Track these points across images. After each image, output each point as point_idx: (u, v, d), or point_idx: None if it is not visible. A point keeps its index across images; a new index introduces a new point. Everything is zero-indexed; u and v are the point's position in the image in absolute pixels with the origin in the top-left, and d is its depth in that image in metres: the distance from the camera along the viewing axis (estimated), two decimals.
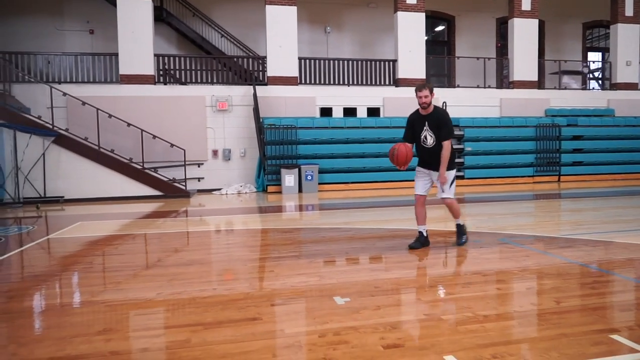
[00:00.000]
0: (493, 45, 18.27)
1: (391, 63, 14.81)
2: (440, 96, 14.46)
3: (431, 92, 4.60)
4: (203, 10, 15.46)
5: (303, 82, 14.16)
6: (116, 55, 12.61)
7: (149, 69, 12.80)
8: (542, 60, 17.17)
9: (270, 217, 8.62)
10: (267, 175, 12.50)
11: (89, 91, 12.38)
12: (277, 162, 12.46)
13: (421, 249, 4.81)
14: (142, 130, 11.50)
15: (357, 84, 14.62)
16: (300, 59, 14.01)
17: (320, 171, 12.48)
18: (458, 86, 16.13)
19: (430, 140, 4.65)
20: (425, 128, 4.65)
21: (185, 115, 12.85)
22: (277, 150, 12.57)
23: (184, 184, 11.74)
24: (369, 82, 14.73)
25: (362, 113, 14.53)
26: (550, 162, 14.53)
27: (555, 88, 16.41)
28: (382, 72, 14.83)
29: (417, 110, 4.78)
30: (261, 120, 12.75)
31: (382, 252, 4.82)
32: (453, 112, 14.27)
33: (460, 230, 4.98)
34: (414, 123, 4.76)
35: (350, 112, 14.48)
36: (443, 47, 18.73)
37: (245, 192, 12.66)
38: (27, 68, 12.49)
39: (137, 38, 12.62)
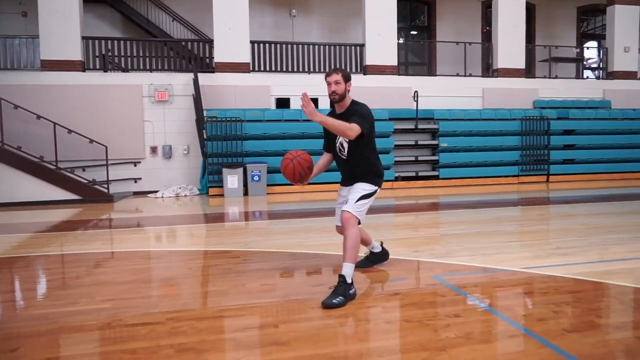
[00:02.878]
0: (478, 32, 16.55)
1: (358, 48, 13.15)
2: (413, 85, 12.83)
3: (346, 79, 3.31)
4: None
5: (256, 69, 12.52)
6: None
7: (76, 54, 11.18)
8: (531, 46, 15.47)
9: (195, 230, 6.97)
10: (209, 175, 10.90)
11: (6, 79, 10.79)
12: (220, 161, 10.85)
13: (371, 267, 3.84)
14: (54, 124, 9.88)
15: (320, 72, 12.97)
16: (253, 43, 12.36)
17: (270, 171, 10.85)
18: (435, 75, 14.45)
19: (346, 147, 3.33)
20: None
21: (118, 106, 11.24)
22: (220, 147, 10.95)
23: (105, 186, 10.12)
24: None
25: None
26: (537, 160, 12.86)
27: (545, 77, 14.71)
28: (349, 58, 13.18)
29: (332, 110, 3.51)
30: (204, 112, 11.13)
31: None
32: (428, 103, 12.68)
33: (344, 285, 3.05)
34: None
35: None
36: (423, 33, 17.05)
37: (185, 195, 11.06)
38: None
39: (61, 18, 11.00)
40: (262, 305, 3.13)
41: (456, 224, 6.56)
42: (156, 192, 11.27)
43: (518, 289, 3.40)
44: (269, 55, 12.63)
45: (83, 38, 11.35)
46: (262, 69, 12.58)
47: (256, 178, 10.65)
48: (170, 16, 13.97)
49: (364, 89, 12.49)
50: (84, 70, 11.35)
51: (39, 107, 10.31)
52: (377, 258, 3.89)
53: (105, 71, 11.70)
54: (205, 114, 11.05)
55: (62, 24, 11.01)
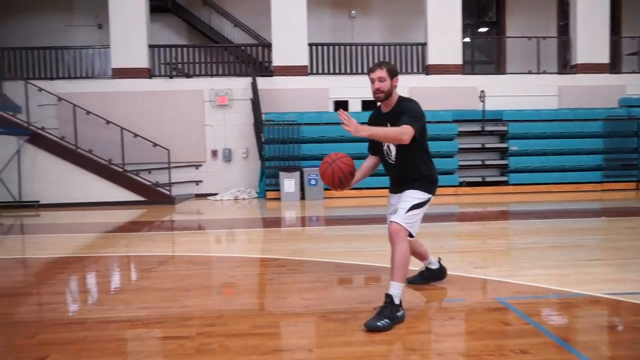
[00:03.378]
0: (552, 26, 15.26)
1: (420, 47, 12.59)
2: (480, 84, 12.04)
3: (392, 74, 2.86)
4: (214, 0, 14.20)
5: (314, 72, 12.37)
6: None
7: (143, 61, 11.68)
8: (617, 38, 13.99)
9: (248, 234, 6.89)
10: (266, 179, 10.89)
11: (82, 87, 11.52)
12: (277, 164, 10.79)
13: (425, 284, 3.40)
14: (121, 128, 10.34)
15: None
16: (310, 45, 12.23)
17: None
18: (504, 73, 13.47)
19: (394, 151, 2.94)
20: None
21: (181, 111, 11.59)
22: (278, 150, 10.89)
23: (168, 188, 10.41)
24: None
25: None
26: (625, 165, 11.54)
27: (633, 72, 13.22)
28: (410, 58, 12.66)
29: (376, 108, 3.09)
30: (262, 115, 11.15)
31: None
32: (496, 104, 11.83)
33: (390, 306, 2.66)
34: (373, 125, 2.93)
35: (370, 105, 12.46)
36: (491, 30, 16.04)
37: (243, 198, 11.13)
38: (33, 65, 11.88)
39: (130, 29, 11.56)
40: (299, 323, 2.85)
41: (527, 235, 5.90)
42: (216, 194, 11.45)
43: (602, 320, 2.84)
44: (327, 58, 12.44)
45: (150, 46, 11.82)
46: (320, 71, 12.41)
47: (313, 182, 10.47)
48: (231, 22, 14.23)
49: (426, 89, 11.96)
50: (150, 77, 11.82)
51: (108, 112, 10.87)
52: (433, 275, 3.44)
53: (171, 77, 12.12)
54: (263, 118, 11.07)
55: (130, 34, 11.55)
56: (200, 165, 11.86)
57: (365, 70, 12.45)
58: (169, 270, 4.40)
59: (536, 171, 11.39)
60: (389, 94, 2.87)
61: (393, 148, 2.94)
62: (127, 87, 11.50)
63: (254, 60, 12.60)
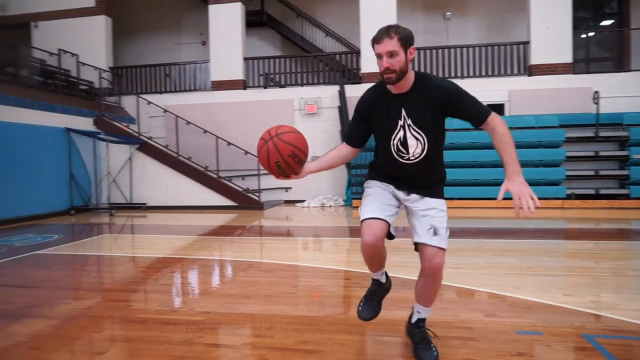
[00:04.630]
0: None
1: (522, 47, 11.57)
2: (594, 84, 10.70)
3: (407, 44, 2.04)
4: (307, 11, 14.54)
5: None
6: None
7: (239, 74, 12.34)
8: None
9: (324, 243, 6.89)
10: (352, 187, 10.78)
11: (185, 99, 12.52)
12: (363, 172, 10.62)
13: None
14: (217, 137, 10.98)
15: (475, 76, 11.80)
16: None
17: None
18: (627, 70, 11.80)
19: (414, 147, 2.16)
20: (401, 123, 2.15)
21: (272, 120, 11.90)
22: (365, 158, 10.72)
23: (257, 194, 10.81)
24: (490, 73, 11.76)
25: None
26: None
27: None
28: (510, 58, 11.70)
29: (379, 86, 2.22)
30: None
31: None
32: (614, 106, 10.46)
33: (424, 333, 2.42)
34: (373, 113, 2.23)
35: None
36: (611, 23, 14.21)
37: (330, 206, 11.14)
38: (146, 80, 13.28)
39: (227, 44, 12.30)
40: (345, 342, 2.67)
41: None
42: (303, 201, 11.62)
43: None
44: (418, 62, 12.01)
45: (245, 59, 12.45)
46: None
47: None
48: (323, 32, 14.45)
49: (528, 92, 10.99)
50: (244, 88, 12.43)
51: (206, 122, 11.65)
52: (379, 299, 2.62)
53: (264, 88, 12.63)
54: None
55: (228, 48, 12.29)
56: None
57: (460, 74, 11.80)
58: (238, 275, 4.48)
59: None
60: (403, 72, 2.06)
61: (416, 143, 2.15)
62: (224, 98, 12.23)
63: (343, 68, 12.62)
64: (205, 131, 11.24)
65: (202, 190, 10.73)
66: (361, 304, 2.58)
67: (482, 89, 11.57)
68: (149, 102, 11.52)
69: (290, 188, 12.15)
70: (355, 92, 11.69)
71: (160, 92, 12.96)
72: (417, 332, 2.42)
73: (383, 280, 2.60)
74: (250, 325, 3.01)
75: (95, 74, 12.32)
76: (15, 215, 8.68)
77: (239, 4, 12.35)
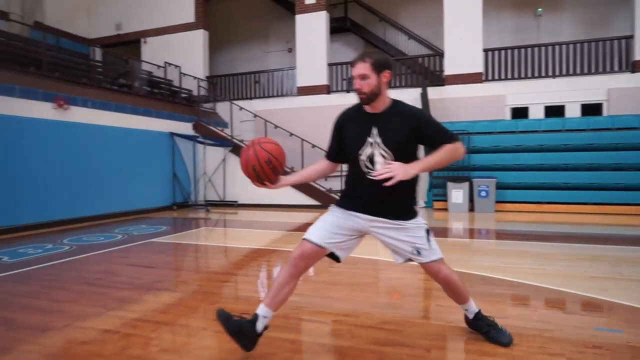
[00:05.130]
0: None
1: (623, 42, 10.78)
2: None
3: (380, 69, 2.26)
4: (389, 15, 14.74)
5: (490, 78, 11.74)
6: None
7: (323, 79, 12.89)
8: None
9: None
10: (433, 189, 10.78)
11: (273, 104, 13.34)
12: (445, 175, 10.60)
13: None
14: (302, 140, 11.59)
15: (568, 75, 11.20)
16: (486, 51, 11.67)
17: (500, 186, 9.98)
18: None
19: (380, 163, 2.29)
20: (371, 141, 2.33)
21: None
22: None
23: (339, 194, 11.22)
24: (586, 71, 11.09)
25: (573, 112, 11.06)
26: None
27: None
28: (610, 55, 10.95)
29: (358, 104, 2.43)
30: None
31: None
32: None
33: (487, 319, 2.60)
34: (347, 128, 2.44)
35: (555, 111, 11.22)
36: None
37: None
38: (237, 87, 14.40)
39: (312, 50, 12.91)
40: (425, 326, 2.92)
41: None
42: None
43: None
44: (504, 63, 11.68)
45: (329, 65, 12.98)
46: (496, 77, 11.72)
47: (483, 194, 9.95)
48: (406, 35, 14.54)
49: (631, 89, 10.26)
50: (328, 93, 12.95)
51: (292, 126, 12.31)
52: (248, 335, 2.39)
53: (347, 92, 13.05)
54: None
55: (313, 55, 12.89)
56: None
57: (552, 72, 11.29)
58: (323, 266, 4.87)
59: None
60: (374, 94, 2.27)
61: (381, 160, 2.28)
62: (309, 103, 12.85)
63: (425, 71, 12.64)
64: (291, 134, 11.91)
65: (289, 190, 11.38)
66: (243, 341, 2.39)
67: (576, 88, 11.00)
68: (241, 108, 12.47)
69: None
70: (439, 94, 11.69)
71: (251, 98, 13.93)
72: (480, 323, 2.61)
73: (259, 326, 2.38)
74: (338, 306, 3.37)
75: (194, 83, 13.58)
76: (129, 209, 9.93)
77: (324, 12, 12.91)
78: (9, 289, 3.98)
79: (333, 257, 2.47)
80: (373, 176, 2.27)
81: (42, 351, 2.60)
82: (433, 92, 11.63)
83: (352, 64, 2.29)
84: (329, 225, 2.44)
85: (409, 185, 2.37)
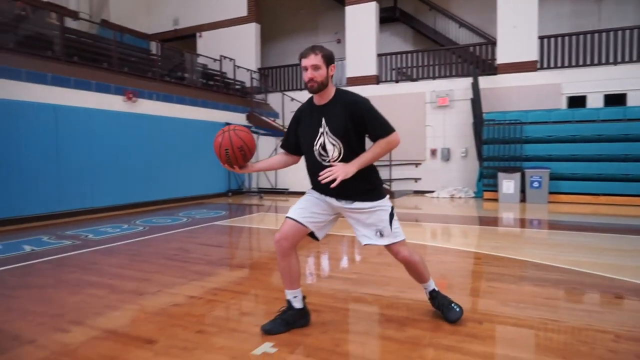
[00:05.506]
0: None
1: None
2: None
3: (329, 62, 2.49)
4: (440, 3, 14.57)
5: (545, 66, 11.44)
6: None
7: (372, 69, 13.02)
8: None
9: (457, 229, 7.27)
10: (484, 179, 10.74)
11: None
12: (496, 165, 10.52)
13: (289, 331, 2.65)
14: None
15: (632, 61, 10.73)
16: (541, 38, 11.37)
17: (554, 177, 9.81)
18: None
19: (332, 151, 2.50)
20: (321, 130, 2.51)
21: (404, 113, 12.45)
22: (497, 151, 10.60)
23: (389, 184, 11.41)
24: None
25: (636, 100, 10.60)
26: None
27: None
28: None
29: (310, 99, 2.65)
30: (482, 115, 11.02)
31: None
32: None
33: (441, 297, 2.83)
34: (301, 121, 2.66)
35: (616, 100, 10.79)
36: None
37: (460, 197, 11.26)
38: (287, 79, 14.82)
39: (362, 41, 13.06)
40: (474, 302, 3.13)
41: None
42: (432, 192, 11.91)
43: None
44: (561, 50, 11.34)
45: (378, 55, 13.08)
46: (551, 65, 11.41)
47: (536, 184, 9.83)
48: (456, 23, 14.35)
49: None
50: (377, 83, 13.08)
51: None
52: (295, 319, 2.71)
53: (396, 82, 13.12)
54: (484, 117, 10.94)
55: (362, 46, 13.03)
56: (420, 164, 12.49)
57: (612, 60, 10.86)
58: (379, 249, 5.15)
59: None
60: (323, 84, 2.47)
61: (332, 148, 2.48)
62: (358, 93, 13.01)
63: (477, 60, 12.48)
64: None
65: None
66: (265, 324, 2.70)
67: (632, 77, 10.53)
68: (293, 99, 12.85)
69: (420, 179, 12.51)
70: (490, 83, 11.55)
71: (301, 89, 14.29)
72: (435, 301, 2.85)
73: (296, 305, 2.69)
74: (394, 284, 3.64)
75: (247, 75, 14.10)
76: (189, 195, 10.60)
77: (374, 2, 12.99)
78: (101, 261, 4.54)
79: (312, 236, 2.71)
80: (327, 162, 2.50)
81: (143, 310, 3.06)
82: (484, 82, 11.51)
83: (303, 55, 2.47)
84: (308, 205, 2.66)
85: (364, 169, 2.50)
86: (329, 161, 2.51)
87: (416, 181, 12.55)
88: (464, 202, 10.39)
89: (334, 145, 2.48)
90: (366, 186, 2.57)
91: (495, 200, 10.22)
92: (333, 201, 2.61)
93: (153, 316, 2.93)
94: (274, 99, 14.27)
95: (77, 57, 8.75)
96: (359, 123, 2.46)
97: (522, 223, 7.41)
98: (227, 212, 8.71)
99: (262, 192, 12.20)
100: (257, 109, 13.15)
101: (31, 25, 8.64)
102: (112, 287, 3.58)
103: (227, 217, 7.94)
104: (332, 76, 2.52)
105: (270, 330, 2.62)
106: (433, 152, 12.40)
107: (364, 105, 2.49)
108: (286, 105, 13.40)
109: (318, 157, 2.55)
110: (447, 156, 12.22)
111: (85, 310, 3.06)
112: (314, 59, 2.43)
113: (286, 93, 13.63)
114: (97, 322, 2.84)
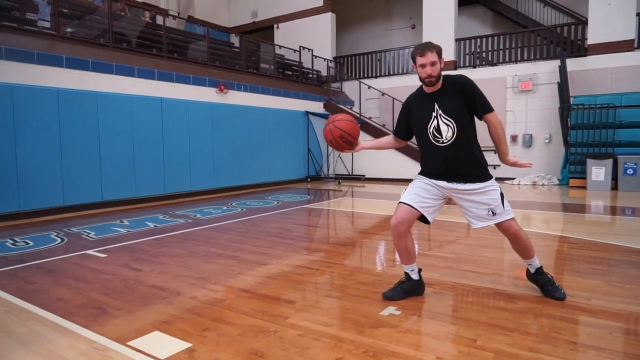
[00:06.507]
0: None
1: None
2: None
3: (441, 55, 2.75)
4: None
5: None
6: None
7: (450, 55, 12.85)
8: None
9: (543, 215, 7.20)
10: (570, 165, 10.34)
11: (398, 82, 13.70)
12: (583, 151, 10.09)
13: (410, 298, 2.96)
14: None
15: None
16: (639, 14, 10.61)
17: None
18: None
19: (446, 132, 2.73)
20: (434, 114, 2.75)
21: None
22: (586, 136, 10.14)
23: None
24: None
25: None
26: None
27: None
28: None
29: (419, 89, 2.91)
30: (570, 99, 10.57)
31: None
32: None
33: (544, 276, 2.98)
34: (413, 109, 2.91)
35: None
36: None
37: (543, 184, 10.93)
38: (363, 66, 15.05)
39: (440, 26, 12.91)
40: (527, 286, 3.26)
41: None
42: (513, 179, 11.64)
43: None
44: None
45: (456, 40, 12.88)
46: None
47: (630, 171, 9.33)
48: (541, 2, 13.70)
49: None
50: (455, 69, 12.89)
51: None
52: (413, 288, 3.01)
53: (474, 67, 12.86)
54: (571, 102, 10.49)
55: (439, 31, 12.88)
56: None
57: None
58: (470, 231, 5.32)
59: None
60: (439, 77, 2.74)
61: (446, 129, 2.72)
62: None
63: (564, 41, 11.89)
64: None
65: (413, 164, 11.78)
66: (387, 291, 3.03)
67: None
68: (369, 87, 13.06)
69: (499, 165, 12.21)
70: (580, 65, 11.02)
71: (375, 77, 14.44)
72: (540, 277, 2.99)
73: (414, 277, 3.01)
74: (494, 264, 3.83)
75: (323, 64, 14.48)
76: (272, 180, 11.25)
77: None
78: (218, 237, 5.13)
79: (423, 219, 2.93)
80: (441, 143, 2.76)
81: (271, 277, 3.52)
82: (572, 64, 10.99)
83: (420, 53, 2.71)
84: (419, 190, 2.89)
85: (474, 150, 2.78)
86: (442, 142, 2.75)
87: (495, 168, 12.26)
88: (548, 190, 10.10)
89: (448, 125, 2.72)
90: (476, 168, 2.82)
91: (583, 187, 9.84)
92: (444, 184, 2.82)
93: (281, 282, 3.38)
94: (348, 87, 14.54)
95: (177, 53, 9.57)
96: (469, 100, 2.72)
97: (614, 211, 7.16)
98: (312, 197, 9.19)
99: (340, 178, 12.60)
100: (333, 98, 13.50)
101: (127, 23, 9.54)
102: (237, 258, 4.11)
103: (313, 201, 8.41)
104: (442, 68, 2.79)
105: (391, 297, 2.95)
106: (514, 139, 12.07)
107: (470, 82, 2.77)
108: (363, 93, 13.63)
109: (432, 139, 2.79)
110: (529, 142, 11.85)
111: (223, 275, 3.58)
112: (431, 56, 2.69)
113: (362, 81, 13.84)
114: (237, 284, 3.34)
